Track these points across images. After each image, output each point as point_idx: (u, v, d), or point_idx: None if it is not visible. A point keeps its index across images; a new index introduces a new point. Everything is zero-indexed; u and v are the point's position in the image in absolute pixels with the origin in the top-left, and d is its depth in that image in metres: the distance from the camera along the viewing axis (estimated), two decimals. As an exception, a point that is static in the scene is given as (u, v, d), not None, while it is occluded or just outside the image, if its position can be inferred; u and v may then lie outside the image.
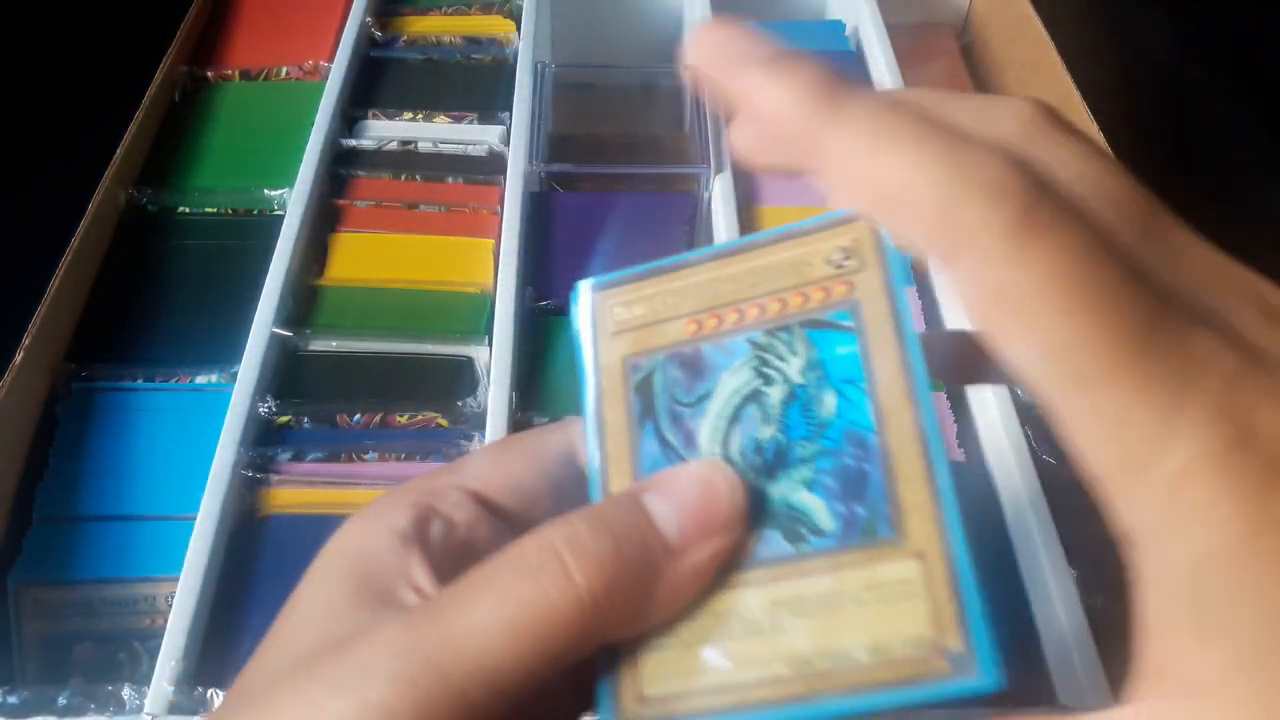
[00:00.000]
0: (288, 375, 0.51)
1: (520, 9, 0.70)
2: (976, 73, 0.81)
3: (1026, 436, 0.48)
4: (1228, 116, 0.77)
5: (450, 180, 0.60)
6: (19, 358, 0.49)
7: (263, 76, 0.68)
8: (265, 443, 0.48)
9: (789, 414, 0.22)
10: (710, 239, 0.59)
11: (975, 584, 0.19)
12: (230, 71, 0.68)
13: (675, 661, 0.21)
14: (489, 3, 0.72)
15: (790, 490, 0.22)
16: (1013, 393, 0.50)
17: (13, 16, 0.72)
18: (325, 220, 0.58)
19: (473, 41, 0.69)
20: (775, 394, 0.22)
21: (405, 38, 0.69)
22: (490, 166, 0.61)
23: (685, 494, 0.21)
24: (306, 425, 0.49)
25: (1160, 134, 0.79)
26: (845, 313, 0.22)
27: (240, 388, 0.49)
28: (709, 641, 0.21)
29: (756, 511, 0.21)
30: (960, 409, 0.51)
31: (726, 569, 0.21)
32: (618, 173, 0.60)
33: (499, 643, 0.19)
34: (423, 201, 0.59)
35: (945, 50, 0.82)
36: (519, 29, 0.69)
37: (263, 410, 0.49)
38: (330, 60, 0.66)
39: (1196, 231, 0.19)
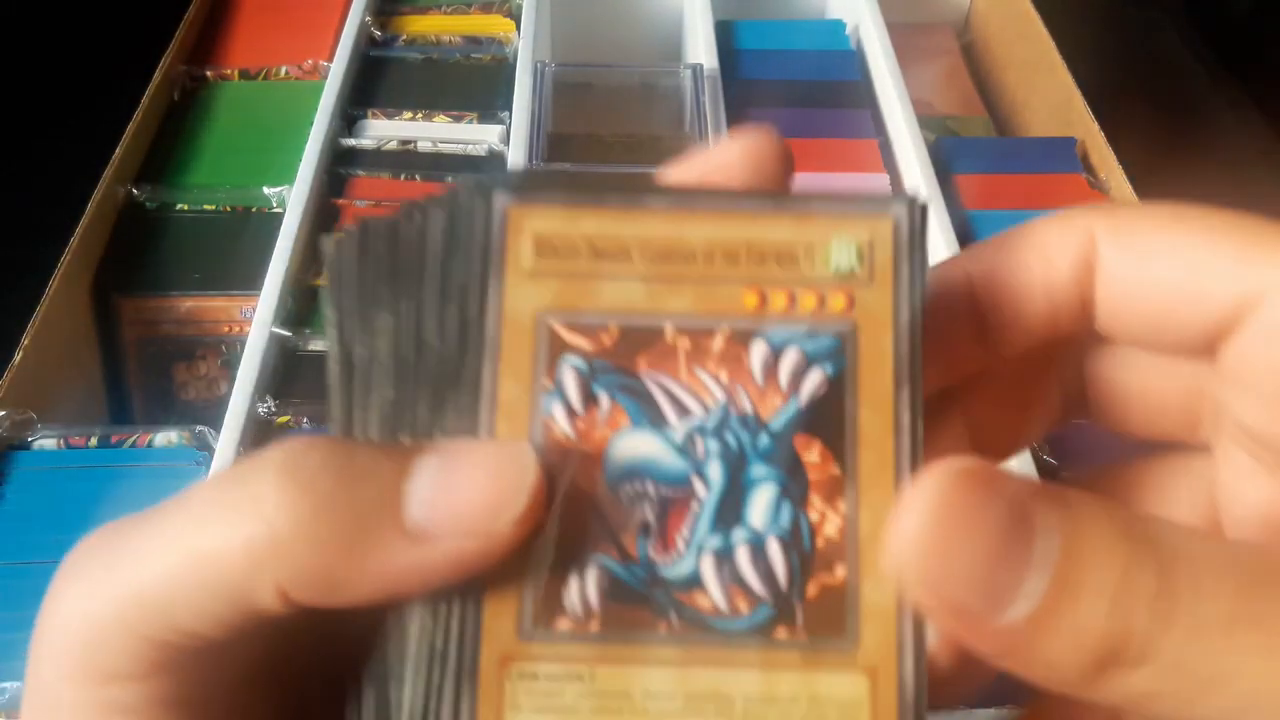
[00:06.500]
0: (288, 375, 0.51)
1: (520, 9, 0.70)
2: (977, 73, 0.81)
3: (1027, 437, 0.48)
4: (1229, 115, 0.77)
5: (450, 180, 0.60)
6: (18, 356, 0.49)
7: (262, 76, 0.67)
8: (265, 443, 0.48)
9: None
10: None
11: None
12: (229, 71, 0.67)
13: None
14: (489, 2, 0.72)
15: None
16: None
17: (13, 15, 0.72)
18: (324, 220, 0.58)
19: (473, 41, 0.69)
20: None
21: (405, 37, 0.69)
22: (490, 166, 0.61)
23: (461, 470, 0.16)
24: (306, 425, 0.49)
25: (1161, 133, 0.79)
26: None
27: (240, 388, 0.48)
28: None
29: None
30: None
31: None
32: (618, 172, 0.60)
33: (160, 568, 0.16)
34: (422, 201, 0.59)
35: (945, 50, 0.82)
36: (519, 28, 0.69)
37: (262, 410, 0.49)
38: (330, 59, 0.66)
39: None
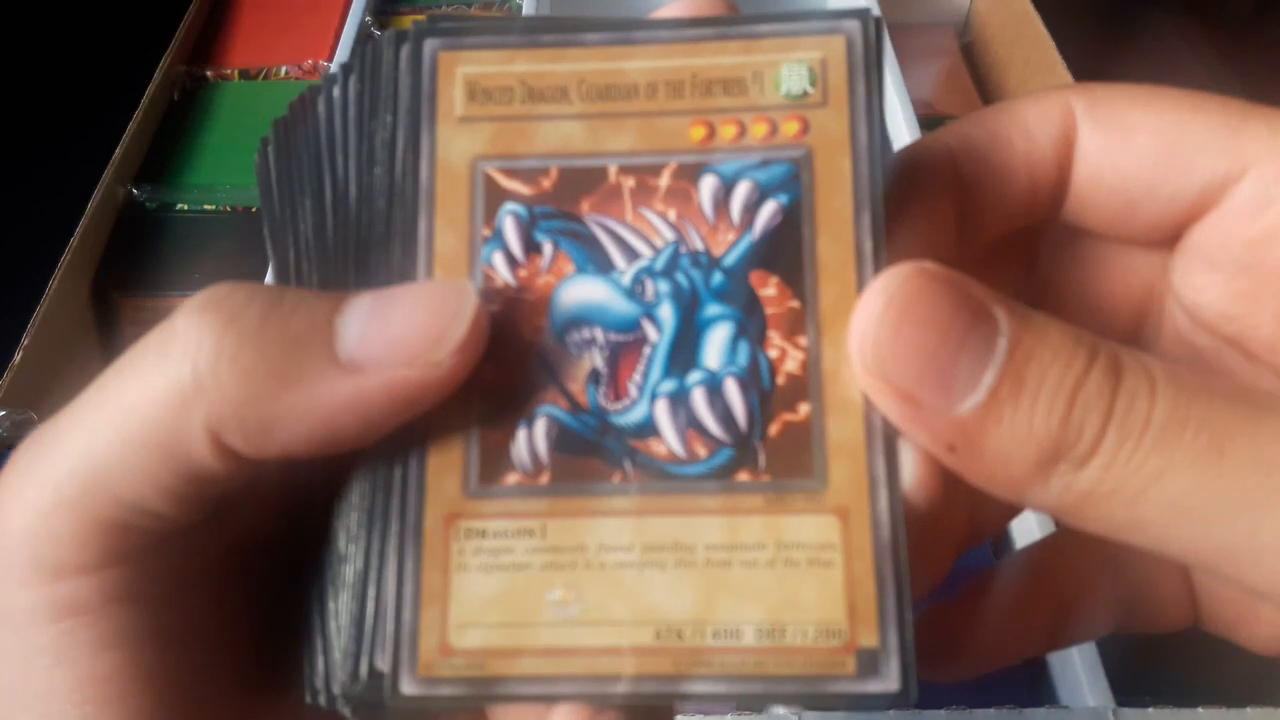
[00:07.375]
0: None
1: (520, 8, 0.70)
2: (977, 73, 0.81)
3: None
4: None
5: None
6: (18, 356, 0.48)
7: (262, 76, 0.67)
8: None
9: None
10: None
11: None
12: (229, 71, 0.67)
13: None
14: (489, 2, 0.72)
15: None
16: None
17: (13, 15, 0.72)
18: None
19: (472, 41, 0.69)
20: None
21: (405, 37, 0.69)
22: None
23: (396, 303, 0.16)
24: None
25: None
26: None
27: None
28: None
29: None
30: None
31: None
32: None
33: (90, 433, 0.15)
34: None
35: (945, 50, 0.82)
36: (519, 28, 0.69)
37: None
38: (330, 60, 0.66)
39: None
